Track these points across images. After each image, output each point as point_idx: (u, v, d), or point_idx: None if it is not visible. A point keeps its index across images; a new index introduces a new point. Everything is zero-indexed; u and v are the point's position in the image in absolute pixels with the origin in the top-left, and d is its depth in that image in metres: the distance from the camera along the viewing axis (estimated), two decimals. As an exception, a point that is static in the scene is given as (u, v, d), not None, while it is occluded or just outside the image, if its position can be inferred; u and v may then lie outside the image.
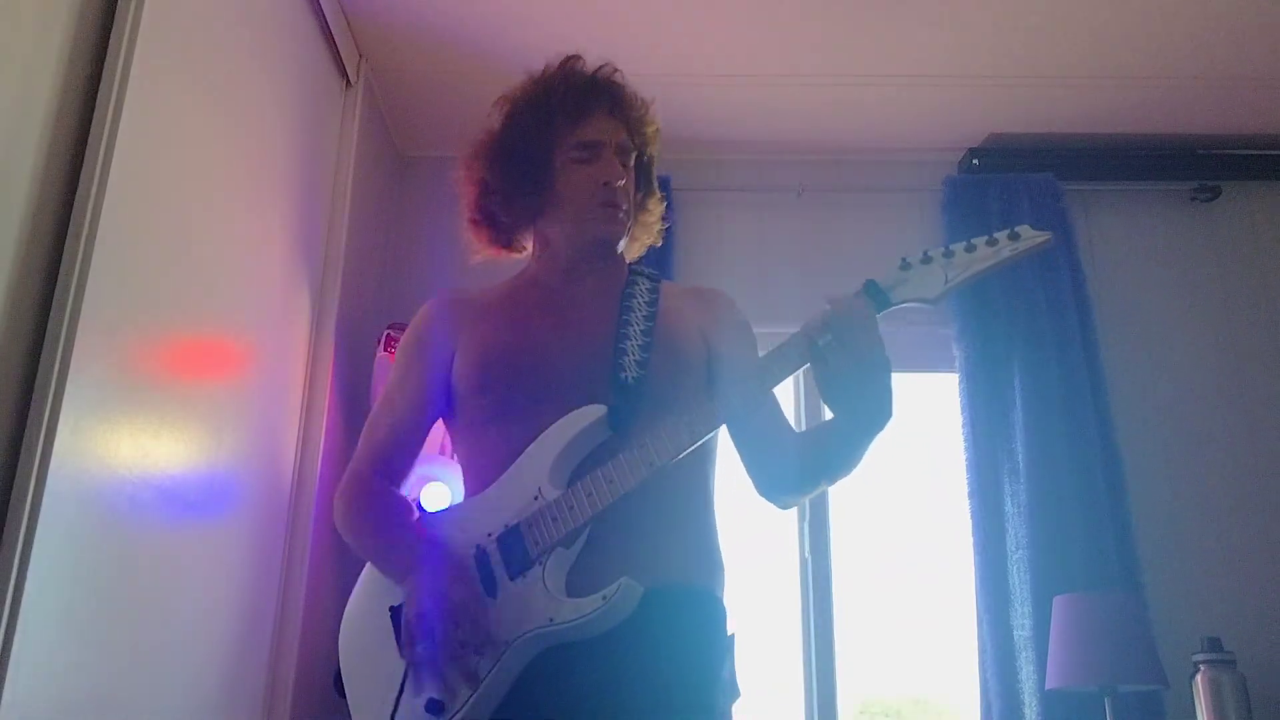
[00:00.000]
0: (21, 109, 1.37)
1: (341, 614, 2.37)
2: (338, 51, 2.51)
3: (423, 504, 2.34)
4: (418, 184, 3.06)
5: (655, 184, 1.62)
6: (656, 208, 1.64)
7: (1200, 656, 2.33)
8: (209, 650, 1.89)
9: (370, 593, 1.42)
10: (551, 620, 1.27)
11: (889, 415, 1.29)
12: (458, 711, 1.26)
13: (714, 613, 1.41)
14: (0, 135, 1.32)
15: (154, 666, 1.68)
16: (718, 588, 1.44)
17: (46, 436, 1.35)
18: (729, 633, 1.43)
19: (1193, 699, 2.32)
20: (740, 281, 2.92)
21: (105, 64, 1.51)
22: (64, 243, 1.43)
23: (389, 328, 2.51)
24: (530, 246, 1.60)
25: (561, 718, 1.28)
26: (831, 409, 1.31)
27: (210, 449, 1.88)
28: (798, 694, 2.64)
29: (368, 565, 1.45)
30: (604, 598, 1.26)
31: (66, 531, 1.40)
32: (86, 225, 1.44)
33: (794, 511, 2.75)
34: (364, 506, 1.46)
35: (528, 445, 1.36)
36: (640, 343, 1.43)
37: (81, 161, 1.46)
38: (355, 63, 2.63)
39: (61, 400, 1.38)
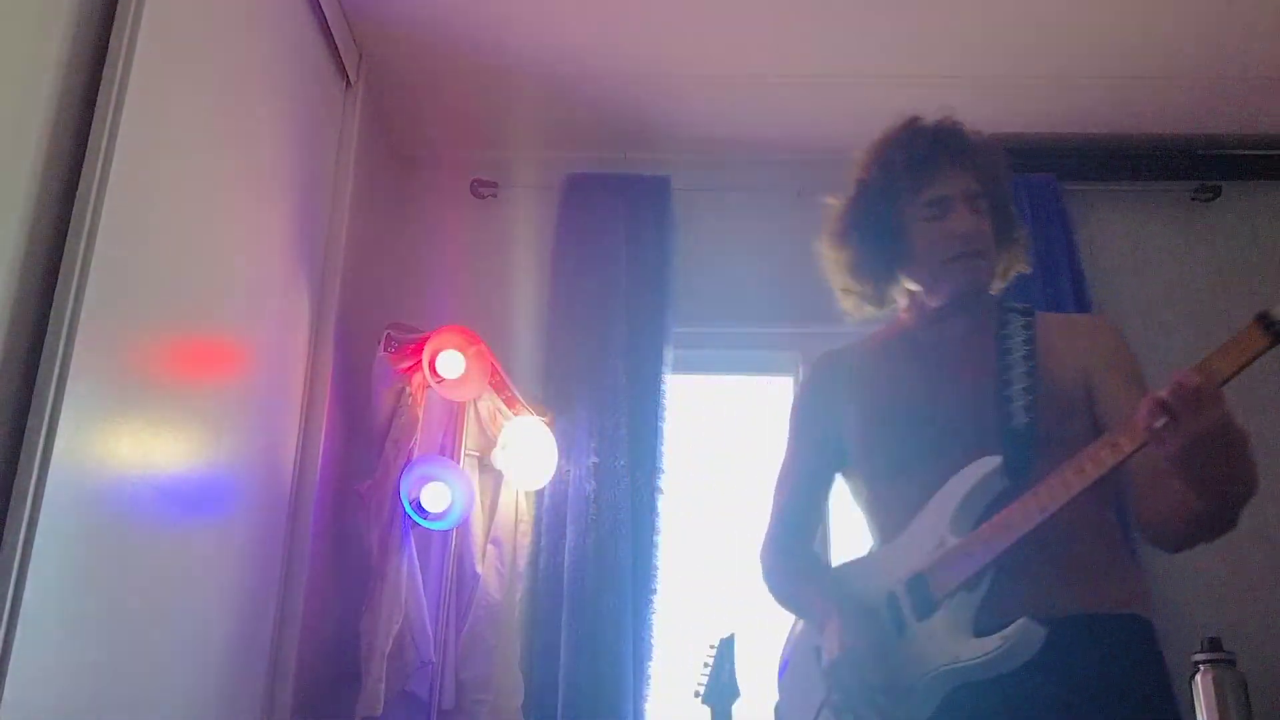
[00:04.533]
0: (21, 111, 1.37)
1: (341, 614, 2.39)
2: (338, 51, 2.51)
3: (423, 504, 2.34)
4: (418, 183, 3.05)
5: (1014, 215, 1.65)
6: (1021, 236, 1.66)
7: (1200, 656, 2.33)
8: (209, 650, 1.89)
9: (803, 639, 1.58)
10: (955, 659, 1.35)
11: (1244, 489, 1.27)
12: None
13: (1129, 634, 1.41)
14: (0, 136, 1.32)
15: (154, 666, 1.68)
16: (1135, 604, 1.44)
17: (47, 436, 1.35)
18: (1157, 648, 1.43)
19: (1193, 699, 2.32)
20: (740, 282, 2.92)
21: (105, 64, 1.51)
22: (64, 242, 1.43)
23: (389, 327, 2.51)
24: (900, 299, 1.66)
25: None
26: (1182, 483, 1.29)
27: (210, 449, 1.88)
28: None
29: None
30: (1003, 638, 1.32)
31: (67, 531, 1.40)
32: (87, 225, 1.44)
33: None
34: (783, 567, 1.63)
35: (924, 496, 1.44)
36: (1024, 385, 1.47)
37: (81, 161, 1.46)
38: (355, 62, 2.63)
39: (62, 401, 1.38)
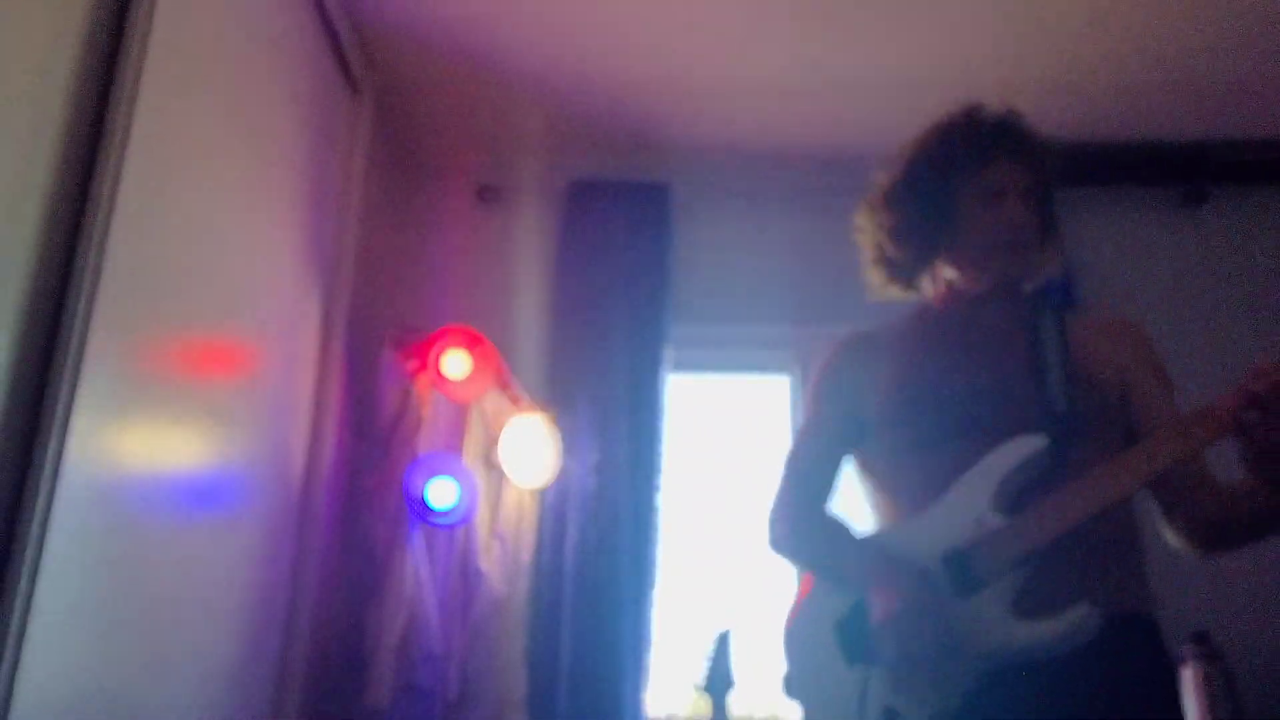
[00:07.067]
0: (34, 121, 1.39)
1: (349, 610, 2.43)
2: (346, 61, 2.54)
3: (428, 501, 2.38)
4: (425, 189, 3.09)
5: (1056, 217, 1.64)
6: (1058, 239, 1.65)
7: (1187, 650, 2.35)
8: (220, 643, 1.92)
9: (814, 604, 1.52)
10: (1007, 644, 1.30)
11: None
12: None
13: (1159, 642, 1.43)
14: (14, 143, 1.35)
15: (165, 662, 1.69)
16: (1148, 606, 1.44)
17: (60, 435, 1.36)
18: (1167, 653, 1.44)
19: (1180, 693, 2.34)
20: (740, 286, 2.95)
21: (116, 75, 1.52)
22: (77, 246, 1.44)
23: (396, 329, 2.55)
24: (927, 287, 1.65)
25: None
26: (1255, 478, 1.30)
27: (222, 448, 1.91)
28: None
29: (808, 585, 1.55)
30: (1068, 624, 1.28)
31: (79, 528, 1.40)
32: (99, 230, 1.45)
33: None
34: (801, 530, 1.57)
35: (951, 472, 1.41)
36: (1060, 374, 1.45)
37: (94, 169, 1.47)
38: (363, 72, 2.65)
39: (75, 399, 1.38)
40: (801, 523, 1.59)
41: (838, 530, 1.56)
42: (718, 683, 1.95)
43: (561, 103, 2.83)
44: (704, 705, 1.95)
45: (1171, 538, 1.48)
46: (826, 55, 2.66)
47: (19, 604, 1.29)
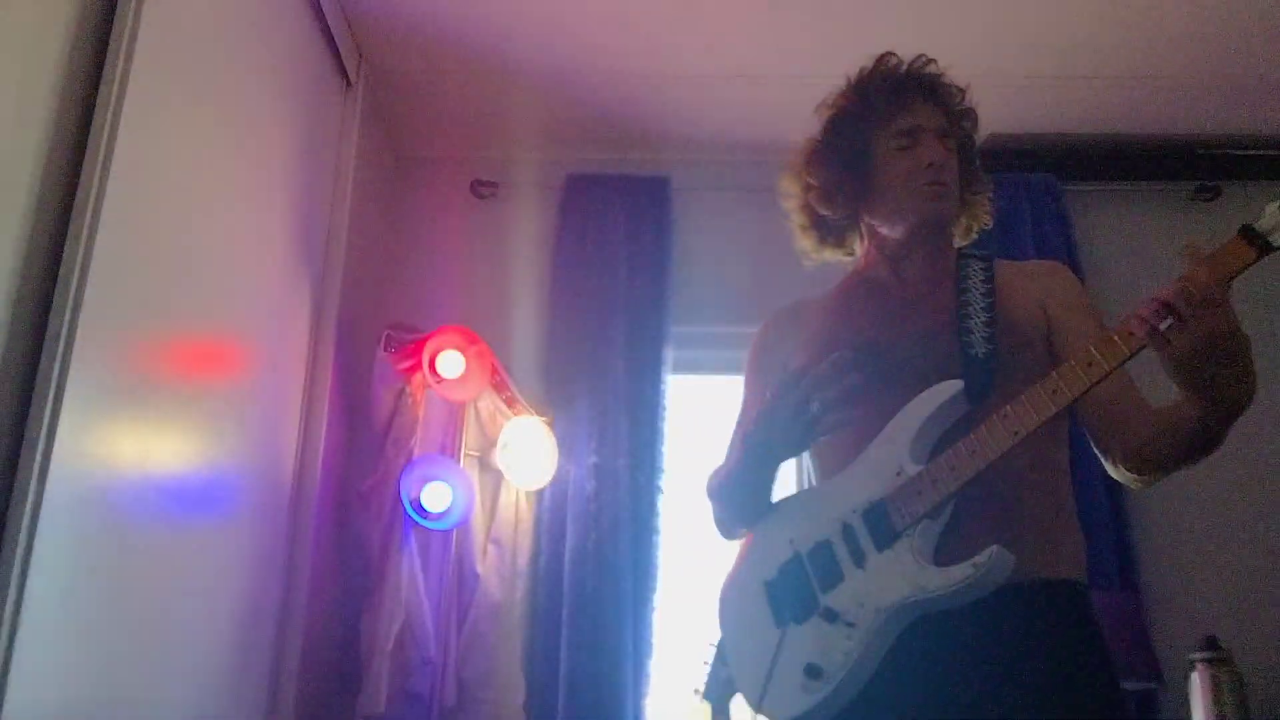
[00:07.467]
0: (22, 110, 1.38)
1: (343, 615, 2.41)
2: (338, 52, 2.52)
3: (423, 504, 2.35)
4: (418, 183, 3.07)
5: (979, 166, 1.65)
6: (983, 189, 1.65)
7: (1197, 655, 2.34)
8: (212, 649, 1.91)
9: (744, 569, 1.51)
10: (922, 590, 1.30)
11: (1247, 396, 1.24)
12: (835, 676, 1.32)
13: (1081, 608, 1.38)
14: (0, 137, 1.33)
15: (156, 664, 1.69)
16: (1078, 570, 1.41)
17: (47, 436, 1.36)
18: (1093, 616, 1.39)
19: (1189, 697, 2.33)
20: (739, 281, 2.93)
21: (105, 65, 1.53)
22: (64, 242, 1.44)
23: (389, 328, 2.52)
24: (858, 248, 1.65)
25: (931, 696, 1.30)
26: (1181, 391, 1.26)
27: (211, 448, 1.90)
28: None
29: (741, 547, 1.55)
30: (974, 565, 1.28)
31: (68, 530, 1.41)
32: (86, 225, 1.45)
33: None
34: (717, 479, 1.59)
35: (878, 428, 1.40)
36: (984, 319, 1.45)
37: (81, 162, 1.47)
38: (355, 63, 2.64)
39: (62, 400, 1.39)
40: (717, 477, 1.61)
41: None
42: (718, 689, 1.91)
43: (558, 95, 2.81)
44: (705, 712, 1.91)
45: (1112, 470, 1.45)
46: (827, 47, 2.64)
47: (8, 608, 1.29)
